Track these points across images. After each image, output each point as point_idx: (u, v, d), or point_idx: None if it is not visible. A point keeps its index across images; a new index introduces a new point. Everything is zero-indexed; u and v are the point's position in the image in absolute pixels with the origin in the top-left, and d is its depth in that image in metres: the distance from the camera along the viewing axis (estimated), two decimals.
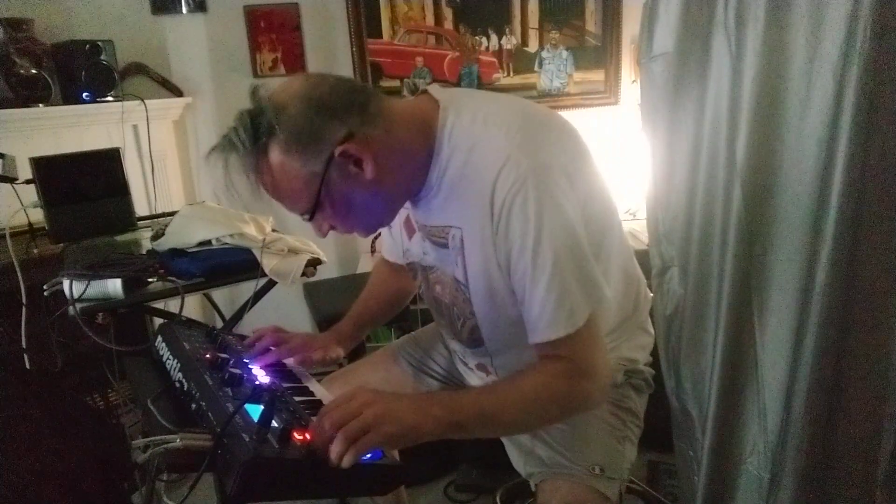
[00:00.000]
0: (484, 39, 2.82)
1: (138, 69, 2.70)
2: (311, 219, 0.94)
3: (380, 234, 2.86)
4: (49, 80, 2.26)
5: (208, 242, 1.62)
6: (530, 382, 0.91)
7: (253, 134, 0.86)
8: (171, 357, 1.04)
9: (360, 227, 0.99)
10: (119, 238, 1.86)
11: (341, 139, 0.87)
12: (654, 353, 1.15)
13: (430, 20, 2.79)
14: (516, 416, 0.92)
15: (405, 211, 1.09)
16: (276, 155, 0.87)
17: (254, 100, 0.89)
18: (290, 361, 1.18)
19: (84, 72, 2.30)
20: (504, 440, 1.15)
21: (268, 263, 1.57)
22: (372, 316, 1.32)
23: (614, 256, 1.01)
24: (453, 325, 1.10)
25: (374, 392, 0.85)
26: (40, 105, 2.23)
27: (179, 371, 0.98)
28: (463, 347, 1.14)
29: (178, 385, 0.97)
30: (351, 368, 1.36)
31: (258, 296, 1.65)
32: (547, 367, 0.93)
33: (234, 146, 0.88)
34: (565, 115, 1.00)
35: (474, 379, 1.20)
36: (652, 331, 1.16)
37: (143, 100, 2.45)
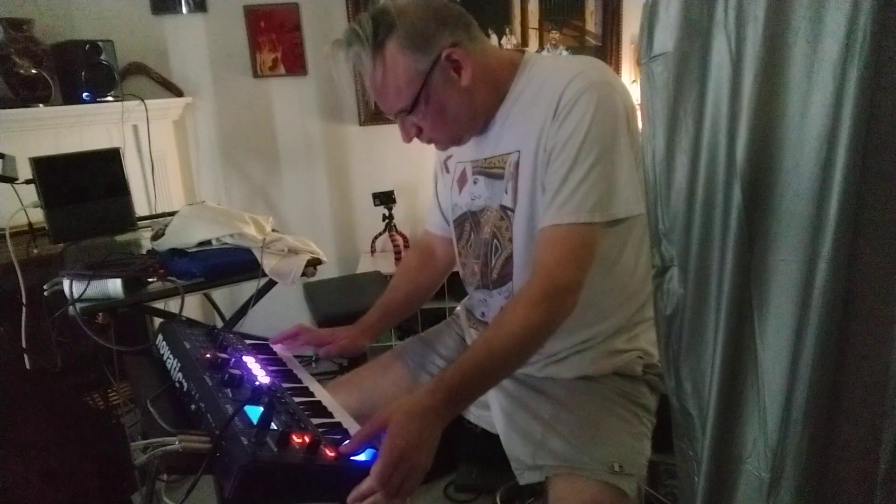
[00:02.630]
0: None
1: (138, 69, 2.71)
2: (407, 115, 1.04)
3: (380, 234, 2.89)
4: (49, 80, 2.26)
5: (208, 242, 1.62)
6: (515, 324, 0.95)
7: (374, 30, 0.99)
8: (171, 356, 1.03)
9: (443, 133, 1.10)
10: (119, 238, 1.86)
11: (448, 45, 1.01)
12: None
13: None
14: (517, 359, 0.98)
15: (462, 164, 1.20)
16: (391, 50, 1.00)
17: (376, 4, 1.03)
18: (298, 369, 1.18)
19: (84, 72, 2.31)
20: (507, 431, 1.12)
21: (268, 263, 1.57)
22: (396, 308, 1.35)
23: (644, 237, 1.07)
24: (487, 264, 1.15)
25: (411, 455, 0.83)
26: (40, 105, 2.23)
27: (179, 371, 0.98)
28: (487, 294, 1.17)
29: (178, 385, 0.96)
30: (357, 373, 1.35)
31: (258, 296, 1.66)
32: (525, 293, 0.98)
33: (356, 38, 1.00)
34: None
35: None
36: None
37: (143, 100, 2.45)
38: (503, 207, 1.10)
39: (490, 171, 1.12)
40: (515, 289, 1.12)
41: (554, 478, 1.03)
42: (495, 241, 1.13)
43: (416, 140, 1.10)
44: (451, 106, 1.04)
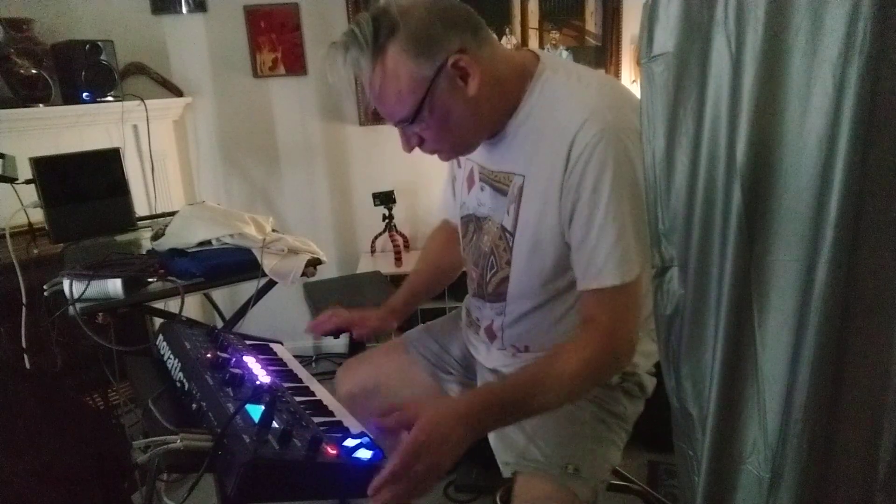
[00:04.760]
0: None
1: (138, 69, 2.70)
2: (408, 125, 0.98)
3: (381, 234, 2.88)
4: (49, 80, 2.26)
5: (208, 242, 1.62)
6: (569, 365, 0.94)
7: (375, 32, 0.91)
8: (172, 356, 1.04)
9: (447, 144, 1.03)
10: (119, 238, 1.87)
11: (455, 50, 0.93)
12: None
13: None
14: (557, 399, 0.96)
15: (471, 163, 1.16)
16: (393, 54, 0.92)
17: (377, 3, 0.96)
18: (299, 369, 1.18)
19: (84, 72, 2.30)
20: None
21: (268, 263, 1.57)
22: (423, 288, 1.37)
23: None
24: (483, 276, 1.14)
25: (432, 450, 0.82)
26: (40, 105, 2.23)
27: (180, 371, 0.98)
28: (482, 304, 1.17)
29: (178, 385, 0.97)
30: (365, 356, 1.39)
31: (258, 296, 1.66)
32: (583, 340, 0.96)
33: (355, 41, 0.92)
34: None
35: (482, 351, 1.22)
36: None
37: (143, 100, 2.45)
38: (503, 228, 1.07)
39: (496, 184, 1.10)
40: (508, 311, 1.11)
41: (517, 475, 1.04)
42: (492, 257, 1.11)
43: None
44: (455, 116, 0.97)
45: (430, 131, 0.99)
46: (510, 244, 1.06)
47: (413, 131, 1.00)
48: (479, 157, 1.13)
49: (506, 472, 1.07)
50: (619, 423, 1.13)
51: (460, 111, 0.97)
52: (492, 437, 1.12)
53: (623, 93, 1.05)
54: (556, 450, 1.04)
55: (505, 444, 1.09)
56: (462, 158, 1.21)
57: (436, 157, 1.08)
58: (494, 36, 1.01)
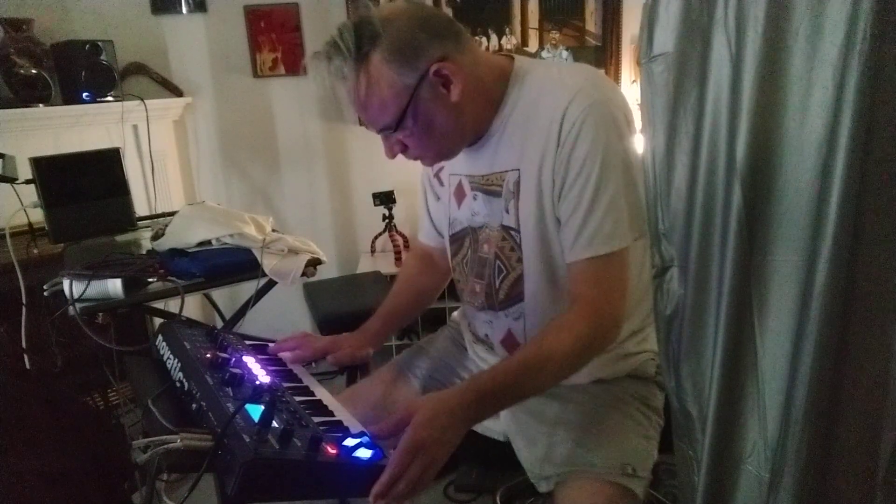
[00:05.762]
0: (484, 39, 2.82)
1: (138, 69, 2.71)
2: (392, 132, 0.99)
3: (381, 234, 2.88)
4: (49, 80, 2.26)
5: (208, 242, 1.62)
6: (558, 345, 0.94)
7: (357, 41, 0.92)
8: (171, 356, 1.03)
9: (430, 151, 1.04)
10: (119, 238, 1.87)
11: (437, 59, 0.94)
12: None
13: None
14: (549, 381, 0.97)
15: (457, 177, 1.15)
16: (375, 64, 0.93)
17: (358, 12, 0.95)
18: (299, 369, 1.18)
19: (84, 72, 2.31)
20: (514, 437, 1.12)
21: (268, 263, 1.57)
22: (399, 314, 1.33)
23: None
24: (491, 285, 1.12)
25: (431, 446, 0.82)
26: (40, 105, 2.23)
27: (180, 371, 0.98)
28: (493, 315, 1.14)
29: (178, 385, 0.97)
30: (357, 388, 1.32)
31: (258, 296, 1.66)
32: (571, 318, 0.96)
33: (338, 50, 0.93)
34: None
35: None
36: None
37: (143, 100, 2.45)
38: (505, 227, 1.06)
39: (488, 188, 1.08)
40: (527, 311, 1.09)
41: (564, 483, 1.01)
42: (499, 262, 1.09)
43: None
44: (439, 123, 0.98)
45: (414, 138, 1.00)
46: (518, 241, 1.05)
47: (396, 138, 1.01)
48: (463, 167, 1.12)
49: (544, 487, 1.03)
50: (657, 418, 1.12)
51: (443, 118, 0.98)
52: (527, 454, 1.08)
53: (604, 76, 1.08)
54: (611, 451, 1.02)
55: (548, 457, 1.05)
56: (445, 175, 1.20)
57: None
58: (474, 41, 1.02)
